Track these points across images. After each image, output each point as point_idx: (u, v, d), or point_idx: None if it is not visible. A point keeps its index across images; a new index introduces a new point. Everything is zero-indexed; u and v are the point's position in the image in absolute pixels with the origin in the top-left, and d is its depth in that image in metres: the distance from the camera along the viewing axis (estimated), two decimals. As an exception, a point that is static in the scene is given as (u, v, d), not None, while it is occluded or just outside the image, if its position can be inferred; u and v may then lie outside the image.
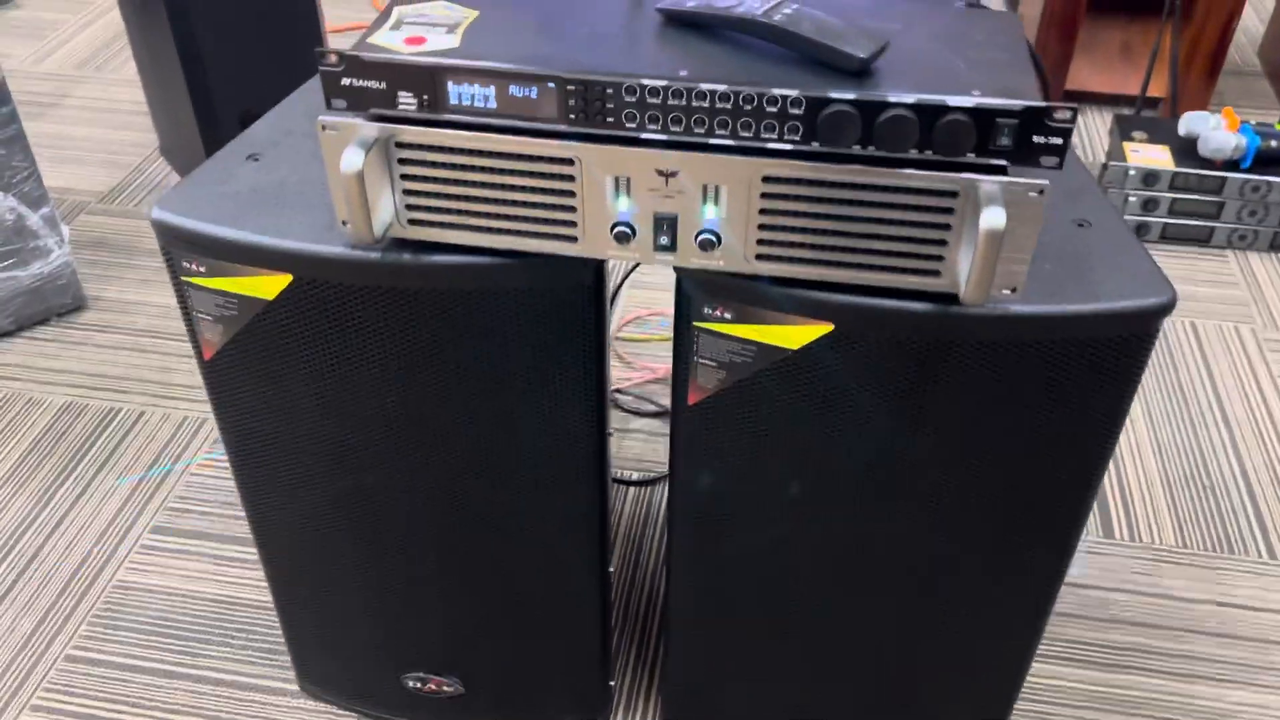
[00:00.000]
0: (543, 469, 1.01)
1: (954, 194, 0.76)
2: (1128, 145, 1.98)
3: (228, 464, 1.58)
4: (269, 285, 0.90)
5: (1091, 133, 2.33)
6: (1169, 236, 1.99)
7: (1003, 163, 0.74)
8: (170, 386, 1.72)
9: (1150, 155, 1.94)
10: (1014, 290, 0.79)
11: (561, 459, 1.01)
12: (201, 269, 0.91)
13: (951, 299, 0.81)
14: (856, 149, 0.75)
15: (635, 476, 1.58)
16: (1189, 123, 1.96)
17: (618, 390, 1.71)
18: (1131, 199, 1.95)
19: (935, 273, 0.79)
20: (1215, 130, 1.90)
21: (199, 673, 1.32)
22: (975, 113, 0.72)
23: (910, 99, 0.72)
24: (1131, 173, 1.93)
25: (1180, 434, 1.66)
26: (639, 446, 1.63)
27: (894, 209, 0.77)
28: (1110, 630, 1.39)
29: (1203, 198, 1.92)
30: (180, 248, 0.91)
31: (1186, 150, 1.95)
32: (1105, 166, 2.03)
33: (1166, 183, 1.92)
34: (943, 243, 0.78)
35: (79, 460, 1.59)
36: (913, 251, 0.79)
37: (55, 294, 1.81)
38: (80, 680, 1.31)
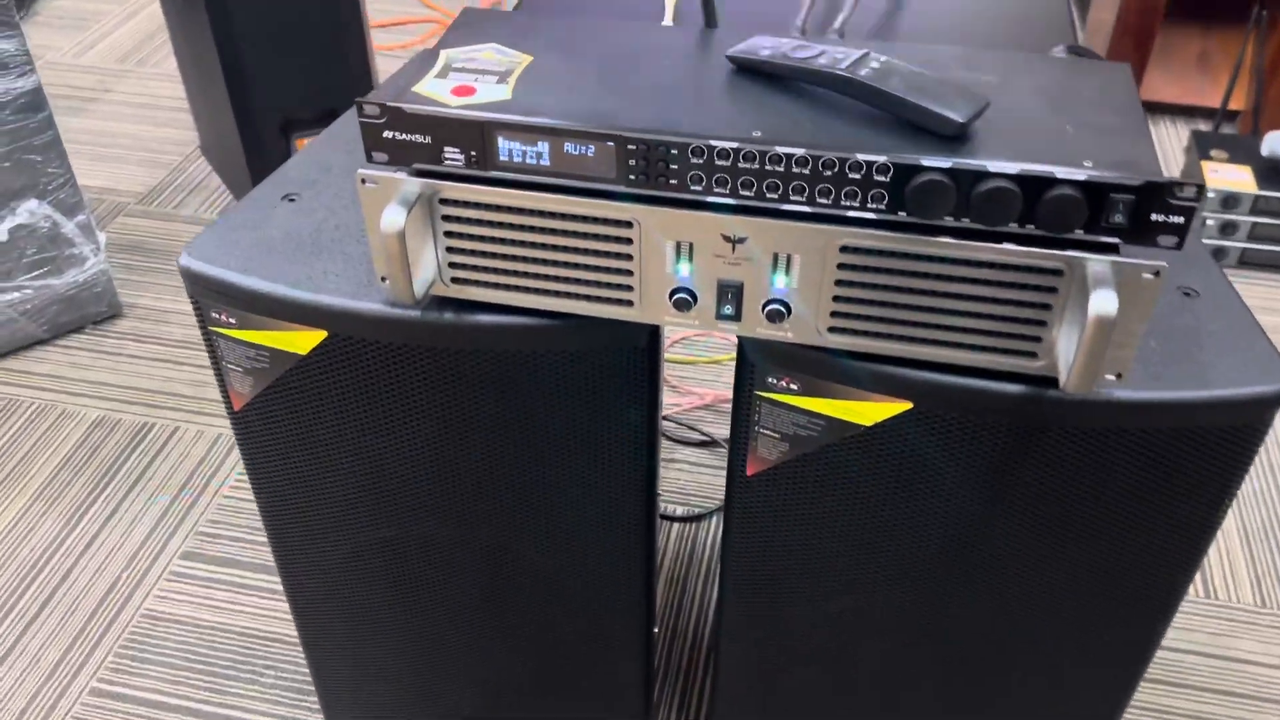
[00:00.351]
0: (588, 534, 0.95)
1: (1058, 272, 0.68)
2: (1206, 165, 1.87)
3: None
4: (303, 340, 0.84)
5: (1165, 148, 2.22)
6: (1247, 262, 1.89)
7: (1114, 240, 0.66)
8: (204, 401, 1.68)
9: (1230, 176, 1.84)
10: (1119, 376, 0.71)
11: (608, 525, 0.94)
12: (232, 320, 0.85)
13: (1047, 381, 0.73)
14: (948, 220, 0.68)
15: (680, 511, 1.52)
16: (1273, 143, 1.85)
17: (664, 417, 1.65)
18: (1209, 222, 1.85)
19: (1031, 354, 0.72)
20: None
21: (226, 712, 1.28)
22: (1087, 186, 0.64)
23: (1013, 169, 0.64)
24: (1209, 195, 1.83)
25: (1258, 481, 1.57)
26: (684, 477, 1.57)
27: (988, 285, 0.69)
28: (1178, 696, 1.31)
29: (1289, 223, 1.82)
30: (209, 298, 0.85)
31: (1270, 172, 1.84)
32: (1181, 186, 1.93)
33: (1248, 206, 1.82)
34: (1042, 323, 0.70)
35: (110, 479, 1.55)
36: (1007, 331, 0.71)
37: (90, 302, 1.78)
38: (103, 717, 1.27)
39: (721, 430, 1.62)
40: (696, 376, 1.72)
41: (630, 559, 0.97)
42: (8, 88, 1.53)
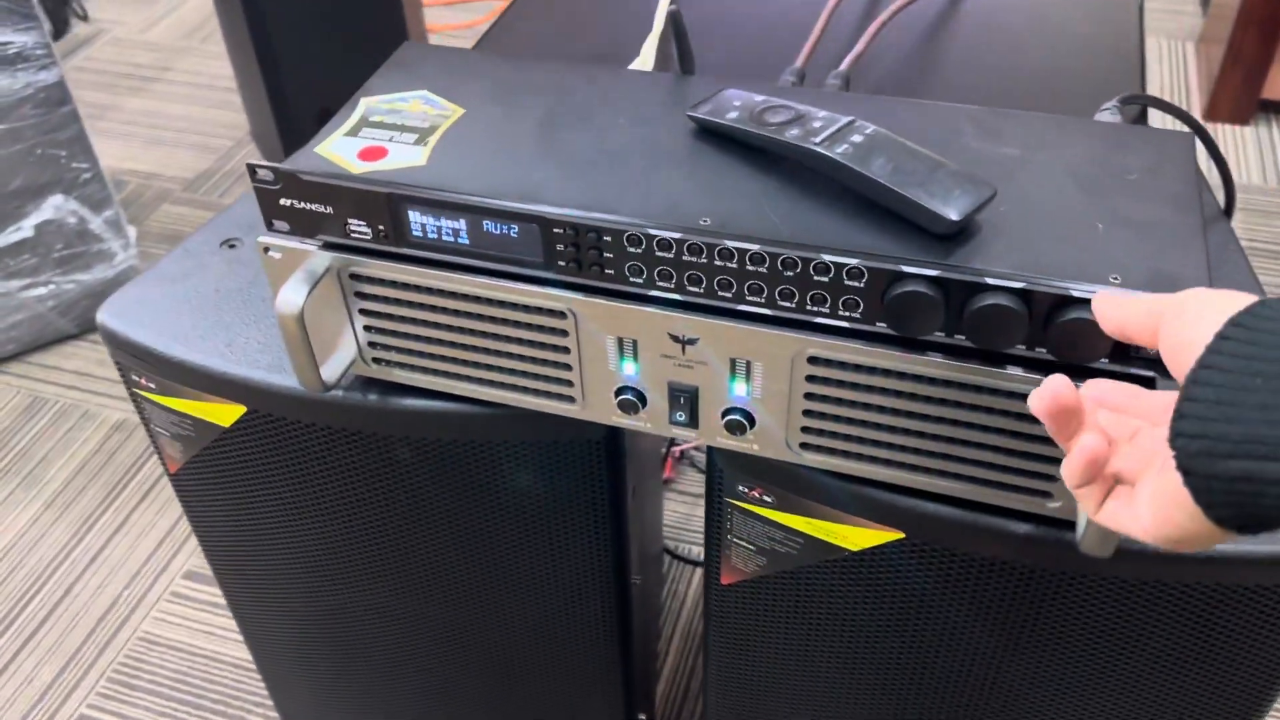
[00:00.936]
0: (551, 622, 0.85)
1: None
2: (1332, 180, 1.66)
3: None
4: (223, 413, 0.75)
5: (1288, 151, 1.99)
6: (1375, 291, 1.67)
7: (1149, 374, 0.52)
8: (226, 407, 1.62)
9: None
10: (1153, 528, 0.57)
11: (573, 614, 0.84)
12: (152, 385, 0.77)
13: (1066, 523, 0.60)
14: (938, 335, 0.54)
15: (692, 551, 1.40)
16: None
17: (682, 450, 1.53)
18: (1331, 246, 1.64)
19: (1045, 494, 0.58)
20: None
21: (210, 751, 1.22)
22: (1111, 309, 0.50)
23: (1018, 283, 0.51)
24: (1334, 216, 1.62)
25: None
26: (693, 512, 1.45)
27: (991, 414, 0.56)
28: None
29: None
30: (129, 361, 0.76)
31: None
32: (1301, 203, 1.72)
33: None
34: (1057, 461, 0.57)
35: (123, 488, 1.51)
36: (1015, 466, 0.58)
37: (121, 298, 1.73)
38: (89, 748, 1.23)
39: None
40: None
41: (598, 639, 0.87)
42: (29, 82, 1.48)
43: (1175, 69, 2.23)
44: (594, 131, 0.62)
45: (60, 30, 2.49)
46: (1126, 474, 0.44)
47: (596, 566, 0.80)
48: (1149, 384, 0.52)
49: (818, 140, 0.56)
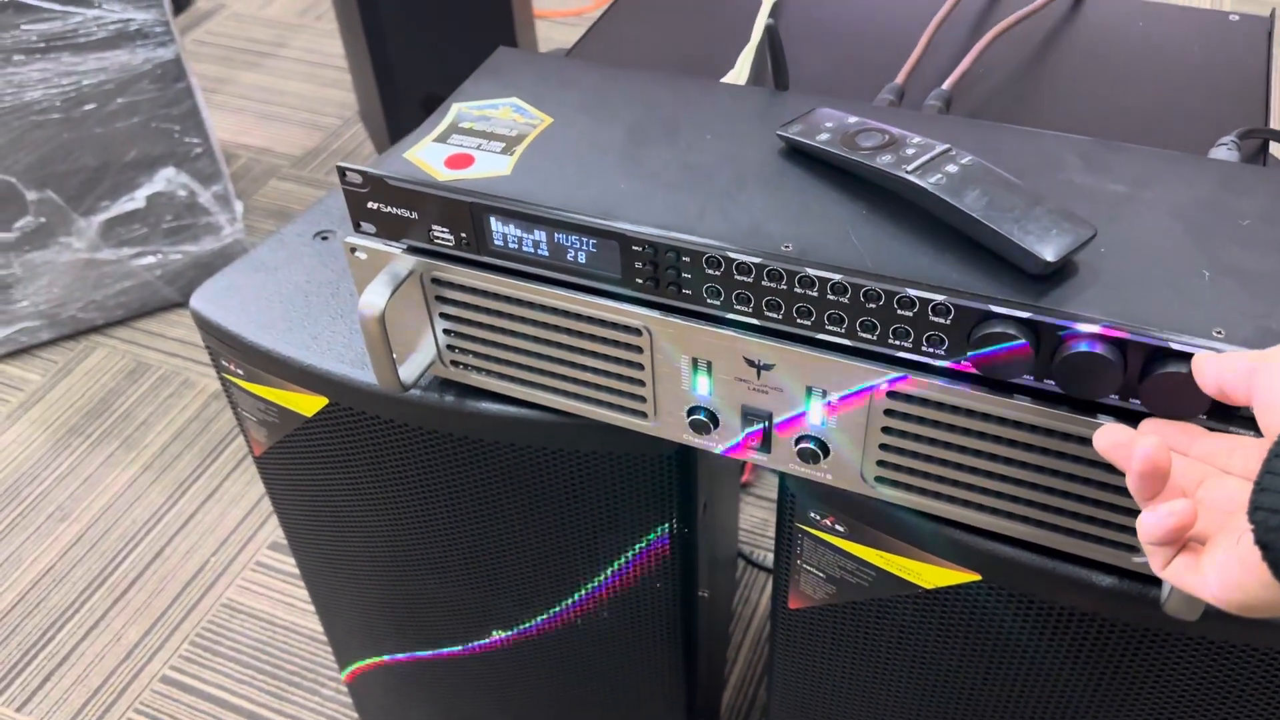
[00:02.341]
0: (615, 630, 0.84)
1: (1166, 463, 0.51)
2: None
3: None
4: (306, 403, 0.76)
5: None
6: None
7: (1247, 434, 0.49)
8: (319, 382, 1.66)
9: None
10: (1245, 593, 0.54)
11: (637, 624, 0.83)
12: (240, 372, 0.78)
13: (1155, 579, 0.57)
14: (1026, 379, 0.52)
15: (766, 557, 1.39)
16: None
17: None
18: None
19: (1130, 548, 0.56)
20: None
21: (283, 720, 1.25)
22: (1212, 366, 0.47)
23: (1112, 330, 0.48)
24: None
25: None
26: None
27: (1078, 463, 0.54)
28: None
29: None
30: (219, 346, 0.78)
31: None
32: None
33: None
34: (1142, 517, 0.54)
35: (216, 456, 1.56)
36: (1100, 518, 0.55)
37: (225, 270, 1.78)
38: (169, 707, 1.27)
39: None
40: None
41: (662, 650, 0.86)
42: (147, 57, 1.52)
43: (1310, 82, 2.11)
44: (680, 147, 0.61)
45: (183, 4, 2.57)
46: (1198, 533, 0.42)
47: (664, 580, 0.79)
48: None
49: (910, 168, 0.54)
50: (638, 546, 0.76)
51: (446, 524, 0.80)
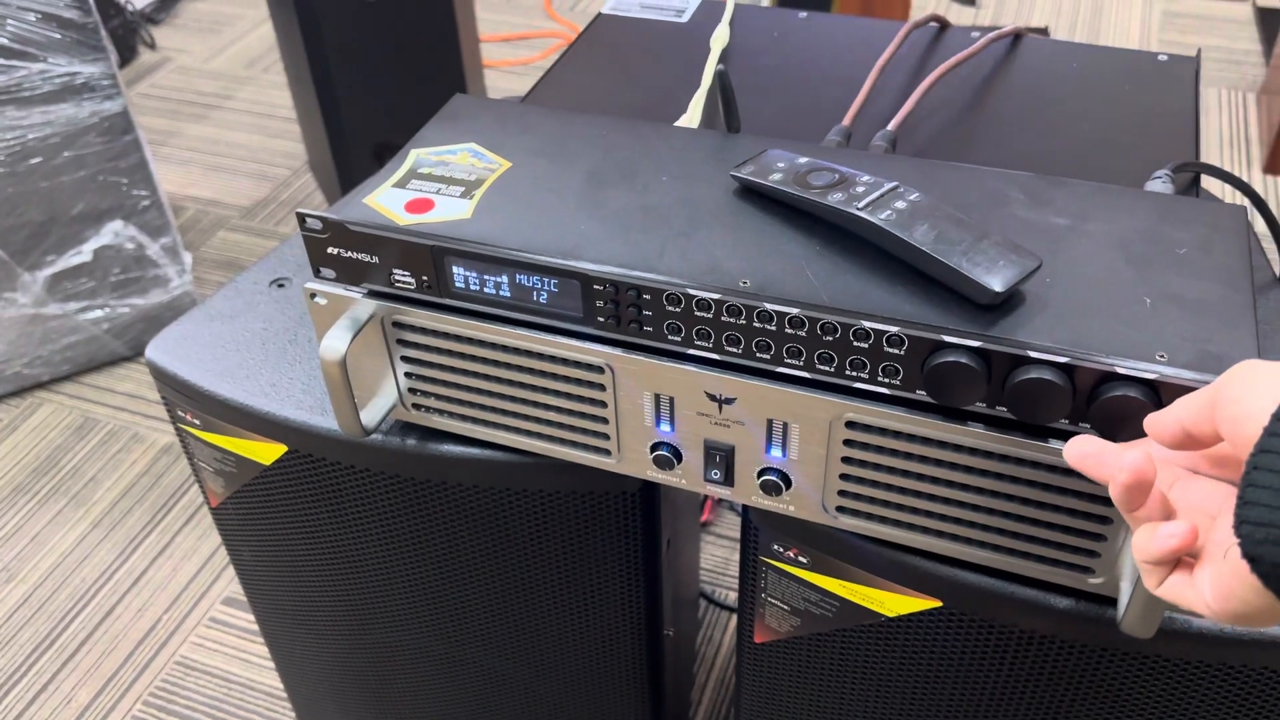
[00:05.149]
0: (582, 670, 0.84)
1: (1117, 484, 0.53)
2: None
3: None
4: (265, 451, 0.76)
5: (1351, 206, 1.95)
6: None
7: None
8: (272, 433, 1.64)
9: None
10: (1197, 609, 0.56)
11: (604, 664, 0.83)
12: (196, 422, 0.78)
13: (1111, 600, 0.59)
14: (980, 406, 0.54)
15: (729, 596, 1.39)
16: None
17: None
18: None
19: (1086, 569, 0.57)
20: None
21: (241, 780, 1.23)
22: (1157, 387, 0.49)
23: (1061, 357, 0.50)
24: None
25: None
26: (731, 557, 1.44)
27: (1032, 486, 0.55)
28: None
29: None
30: (174, 396, 0.78)
31: None
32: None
33: None
34: (1098, 537, 0.55)
35: (168, 511, 1.53)
36: (1055, 540, 0.57)
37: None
38: (123, 771, 1.24)
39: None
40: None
41: (629, 689, 0.86)
42: (94, 110, 1.52)
43: (1236, 120, 2.19)
44: (637, 188, 0.63)
45: (128, 58, 2.56)
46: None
47: (629, 618, 0.79)
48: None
49: (861, 205, 0.56)
50: (604, 585, 0.77)
51: (410, 570, 0.79)
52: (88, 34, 1.47)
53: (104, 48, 1.49)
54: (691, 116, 0.72)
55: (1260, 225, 1.75)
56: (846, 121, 0.72)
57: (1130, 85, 0.79)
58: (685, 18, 0.90)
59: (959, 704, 0.68)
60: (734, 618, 1.38)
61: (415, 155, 0.66)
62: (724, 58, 0.84)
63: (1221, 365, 0.49)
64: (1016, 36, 0.85)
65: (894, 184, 0.57)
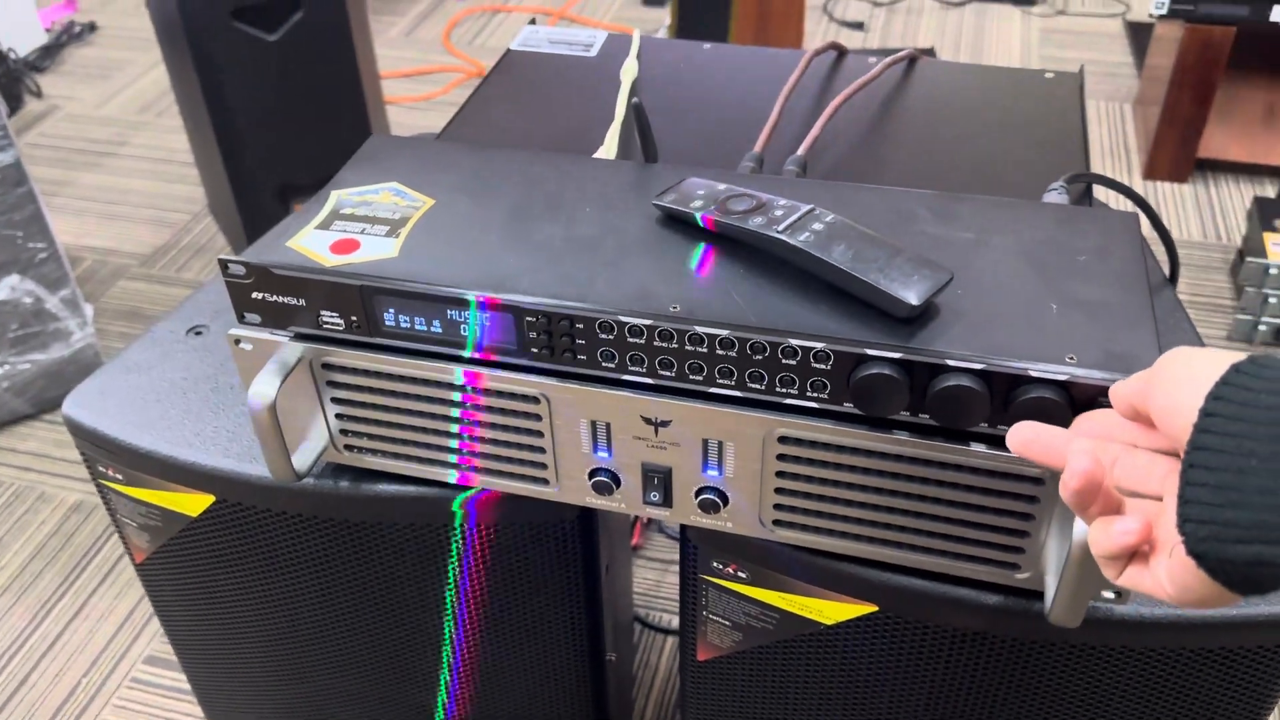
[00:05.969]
0: (526, 702, 0.84)
1: (1038, 480, 0.56)
2: (1269, 236, 1.71)
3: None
4: (191, 503, 0.74)
5: (1226, 211, 2.06)
6: (1315, 342, 1.72)
7: (1106, 448, 0.54)
8: (187, 485, 1.60)
9: (1297, 251, 1.68)
10: (1119, 595, 0.59)
11: (548, 694, 0.84)
12: (119, 476, 0.76)
13: (1038, 593, 0.61)
14: (904, 415, 0.56)
15: (664, 619, 1.40)
16: (1344, 214, 1.68)
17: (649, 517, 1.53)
18: (1272, 300, 1.69)
19: (1013, 565, 0.60)
20: None
21: (173, 844, 1.19)
22: (1069, 387, 0.52)
23: (977, 364, 0.53)
24: (1273, 271, 1.67)
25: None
26: (664, 579, 1.45)
27: (957, 489, 0.58)
28: None
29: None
30: (94, 452, 0.76)
31: (1341, 246, 1.68)
32: (1241, 259, 1.77)
33: (1315, 286, 1.66)
34: (1022, 533, 0.58)
35: (81, 571, 1.48)
36: (982, 539, 0.59)
37: (77, 376, 1.71)
38: (47, 845, 1.19)
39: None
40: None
41: (574, 717, 0.87)
42: (-16, 163, 1.47)
43: (1114, 130, 2.30)
44: (563, 220, 0.64)
45: (14, 107, 2.49)
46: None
47: (572, 646, 0.80)
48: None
49: (780, 229, 0.58)
50: (546, 614, 0.77)
51: (346, 613, 0.79)
52: (-26, 85, 1.43)
53: (-8, 98, 1.45)
54: (609, 148, 0.74)
55: (1147, 229, 1.84)
56: (758, 148, 0.74)
57: (1021, 102, 0.83)
58: (593, 52, 0.92)
59: (899, 705, 0.70)
60: (669, 640, 1.39)
61: (336, 196, 0.66)
62: (635, 90, 0.85)
63: (1126, 364, 0.52)
64: (911, 60, 0.89)
65: (810, 207, 0.59)
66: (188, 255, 2.06)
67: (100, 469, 0.77)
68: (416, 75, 2.58)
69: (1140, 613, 0.60)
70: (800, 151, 0.73)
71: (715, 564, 0.69)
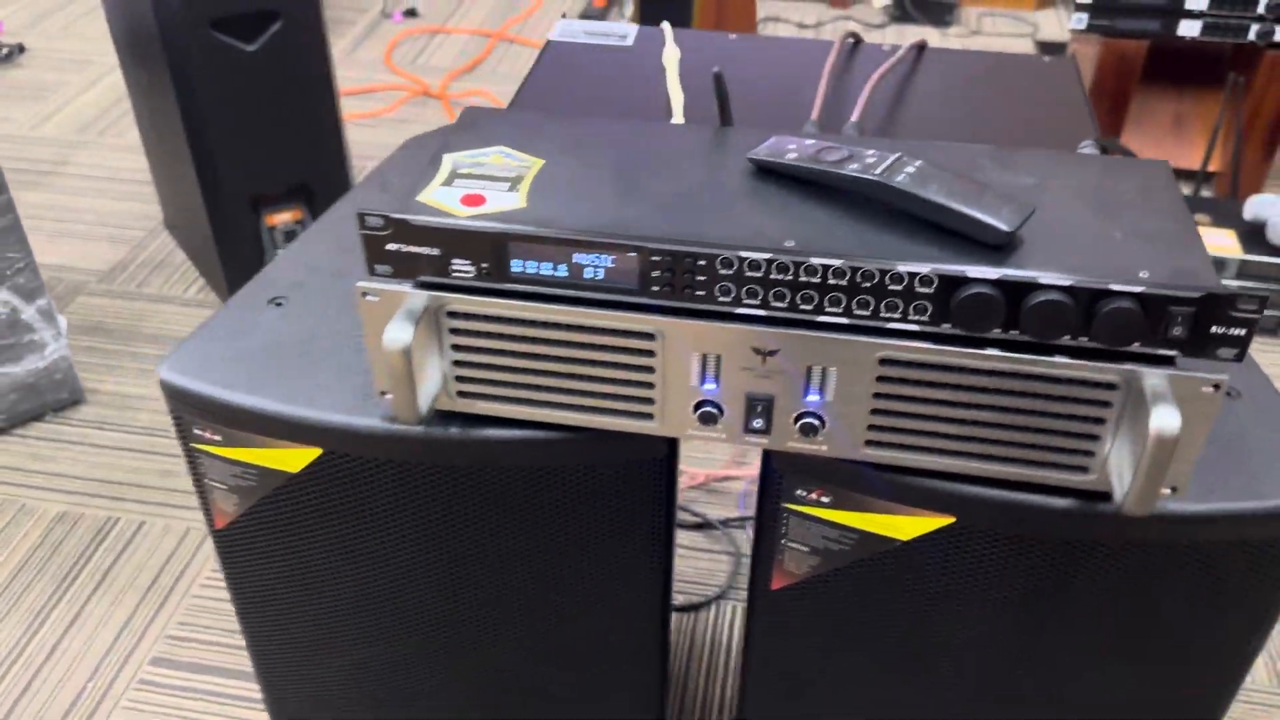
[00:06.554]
0: (598, 652, 0.89)
1: (1112, 386, 0.64)
2: (1189, 228, 1.87)
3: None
4: (294, 458, 0.78)
5: (1140, 207, 2.23)
6: (1233, 325, 1.88)
7: (1171, 353, 0.63)
8: (172, 493, 1.60)
9: (1215, 241, 1.83)
10: (1174, 490, 0.67)
11: (620, 643, 0.89)
12: (216, 437, 0.79)
13: (1097, 495, 0.69)
14: (995, 332, 0.64)
15: (678, 600, 1.46)
16: (1255, 207, 1.85)
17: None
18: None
19: (1082, 469, 0.68)
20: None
21: (202, 836, 1.19)
22: (1144, 299, 0.60)
23: (1066, 281, 0.61)
24: (1195, 259, 1.82)
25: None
26: (680, 564, 1.51)
27: (1038, 399, 0.65)
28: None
29: (1275, 287, 1.81)
30: (192, 414, 0.79)
31: (1254, 235, 1.84)
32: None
33: (1234, 270, 1.81)
34: (1094, 438, 0.66)
35: (73, 580, 1.47)
36: (1058, 445, 0.67)
37: (51, 389, 1.70)
38: (70, 846, 1.18)
39: (715, 511, 1.57)
40: (688, 455, 1.67)
41: (645, 670, 0.92)
42: (-35, 171, 1.46)
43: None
44: (665, 175, 0.70)
45: (-56, 128, 2.43)
46: None
47: (649, 590, 0.85)
48: (1171, 363, 0.63)
49: (878, 172, 0.65)
50: (630, 556, 0.82)
51: (435, 567, 0.83)
52: (-42, 91, 1.42)
53: (-25, 105, 1.44)
54: (678, 116, 0.80)
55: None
56: (814, 116, 0.82)
57: (1026, 81, 0.92)
58: (629, 41, 0.98)
59: (961, 616, 0.77)
60: (682, 616, 1.44)
61: (450, 159, 0.71)
62: (680, 73, 0.92)
63: (1190, 278, 0.60)
64: (921, 47, 0.98)
65: (898, 154, 0.67)
66: (146, 271, 2.04)
67: (196, 432, 0.80)
68: (363, 93, 2.60)
69: (1190, 509, 0.69)
70: (854, 118, 0.81)
71: (799, 491, 0.76)
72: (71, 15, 2.97)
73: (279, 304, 0.85)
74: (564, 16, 0.98)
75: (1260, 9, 2.03)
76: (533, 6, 3.01)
